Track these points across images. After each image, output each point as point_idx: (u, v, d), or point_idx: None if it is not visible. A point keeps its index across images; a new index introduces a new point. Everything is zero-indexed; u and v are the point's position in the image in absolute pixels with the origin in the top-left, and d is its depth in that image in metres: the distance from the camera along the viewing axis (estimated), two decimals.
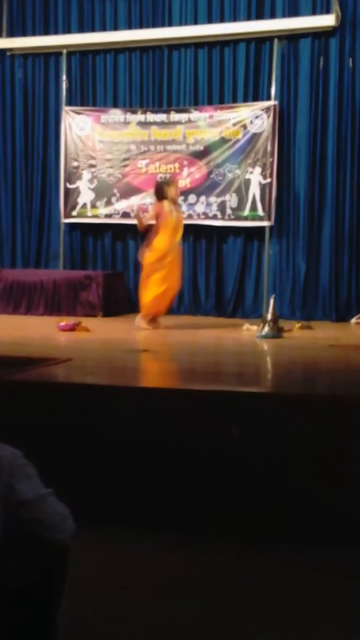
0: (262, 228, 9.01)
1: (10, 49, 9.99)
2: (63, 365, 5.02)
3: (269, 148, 8.87)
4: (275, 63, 8.91)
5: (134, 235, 9.55)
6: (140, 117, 9.38)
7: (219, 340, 7.26)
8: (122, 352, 6.08)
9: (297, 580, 3.27)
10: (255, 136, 8.93)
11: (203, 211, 9.12)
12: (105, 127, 9.51)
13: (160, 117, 9.31)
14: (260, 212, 8.94)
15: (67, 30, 9.82)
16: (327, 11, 8.73)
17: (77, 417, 4.12)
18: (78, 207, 9.64)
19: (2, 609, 1.83)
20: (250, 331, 7.49)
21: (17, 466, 1.88)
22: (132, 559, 3.48)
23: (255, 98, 9.09)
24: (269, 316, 7.16)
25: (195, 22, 9.28)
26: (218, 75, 9.26)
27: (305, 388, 5.00)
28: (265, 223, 8.95)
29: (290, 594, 3.12)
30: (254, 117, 8.92)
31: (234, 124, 9.00)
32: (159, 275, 7.63)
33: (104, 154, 9.54)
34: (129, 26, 9.56)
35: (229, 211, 9.08)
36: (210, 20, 9.24)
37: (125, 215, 9.45)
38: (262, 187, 8.91)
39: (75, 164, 9.62)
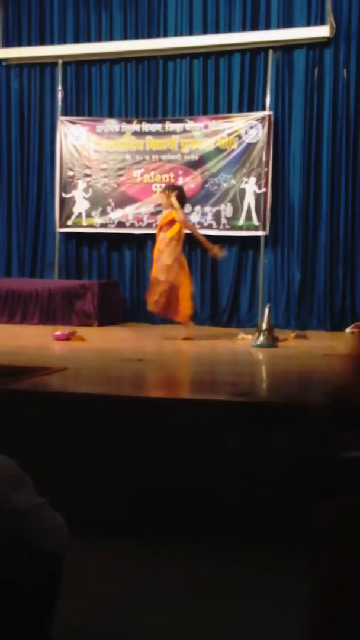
0: (257, 237, 9.03)
1: (6, 59, 10.02)
2: (58, 374, 5.02)
3: (263, 158, 8.89)
4: (270, 73, 8.95)
5: (129, 244, 9.58)
6: (135, 127, 9.40)
7: (214, 350, 7.26)
8: (117, 361, 6.08)
9: (296, 590, 3.25)
10: (250, 146, 8.96)
11: (198, 221, 9.12)
12: (100, 137, 9.53)
13: (155, 127, 9.34)
14: (255, 221, 8.96)
15: (63, 40, 9.85)
16: (322, 22, 8.77)
17: (71, 426, 4.12)
18: (73, 217, 9.65)
19: None
20: (246, 340, 7.49)
21: (12, 476, 1.88)
22: (127, 567, 3.47)
23: (250, 108, 9.13)
24: (264, 325, 7.17)
25: (191, 33, 9.32)
26: (213, 85, 9.29)
27: (300, 397, 5.00)
28: (260, 232, 8.97)
29: (290, 604, 3.11)
30: (248, 127, 8.95)
31: (229, 134, 9.03)
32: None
33: (99, 163, 9.56)
34: (125, 37, 9.60)
35: (224, 221, 9.10)
36: (205, 31, 9.28)
37: (121, 224, 9.47)
38: (257, 197, 8.93)
39: (70, 173, 9.64)
